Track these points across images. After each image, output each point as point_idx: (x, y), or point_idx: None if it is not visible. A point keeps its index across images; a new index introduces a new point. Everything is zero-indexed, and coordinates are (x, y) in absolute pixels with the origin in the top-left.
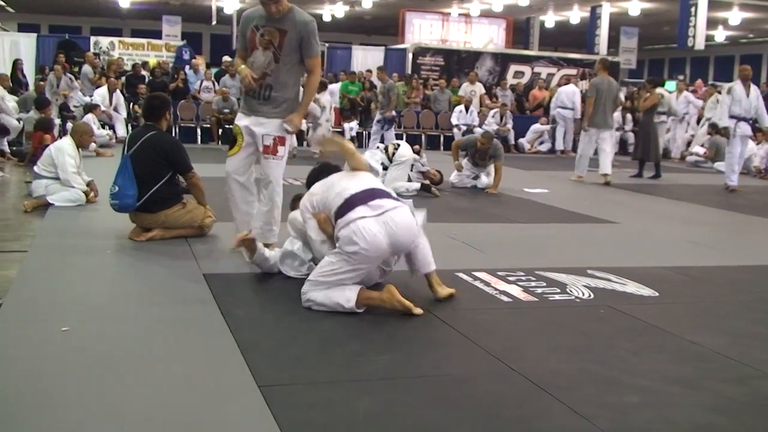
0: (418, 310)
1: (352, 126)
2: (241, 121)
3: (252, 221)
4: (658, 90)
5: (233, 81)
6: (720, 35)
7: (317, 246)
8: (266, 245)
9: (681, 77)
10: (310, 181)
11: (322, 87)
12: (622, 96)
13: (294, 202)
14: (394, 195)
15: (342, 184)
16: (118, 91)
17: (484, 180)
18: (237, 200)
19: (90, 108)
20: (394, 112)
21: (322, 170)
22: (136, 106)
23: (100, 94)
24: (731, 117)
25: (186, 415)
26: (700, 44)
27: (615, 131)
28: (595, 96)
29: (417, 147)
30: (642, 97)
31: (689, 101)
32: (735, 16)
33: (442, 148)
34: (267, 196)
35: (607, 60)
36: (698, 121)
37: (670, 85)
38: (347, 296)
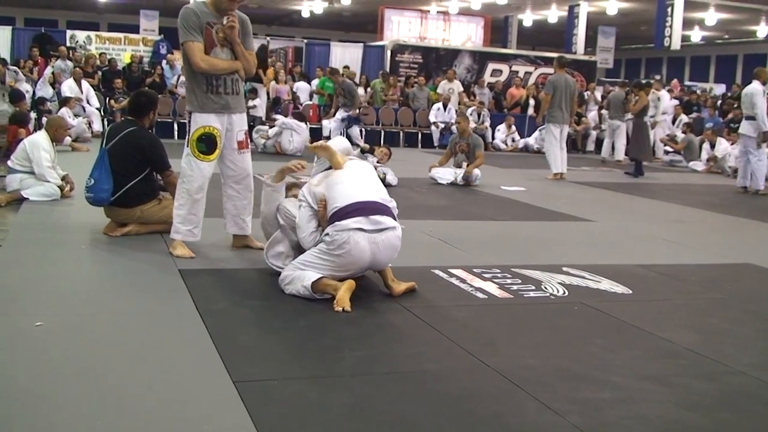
0: (337, 308)
1: (331, 122)
2: (216, 122)
3: (227, 217)
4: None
5: None
6: (696, 35)
7: (303, 235)
8: (243, 236)
9: (657, 77)
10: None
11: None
12: (593, 94)
13: None
14: (394, 210)
15: (348, 186)
16: (85, 81)
17: (464, 168)
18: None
19: (64, 102)
20: (358, 110)
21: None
22: (113, 101)
23: (68, 86)
24: (748, 118)
25: (160, 410)
26: (676, 44)
27: (592, 131)
28: (552, 92)
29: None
30: (631, 100)
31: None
32: (711, 16)
33: (420, 145)
34: (245, 188)
35: (564, 58)
36: (674, 121)
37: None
38: (309, 276)
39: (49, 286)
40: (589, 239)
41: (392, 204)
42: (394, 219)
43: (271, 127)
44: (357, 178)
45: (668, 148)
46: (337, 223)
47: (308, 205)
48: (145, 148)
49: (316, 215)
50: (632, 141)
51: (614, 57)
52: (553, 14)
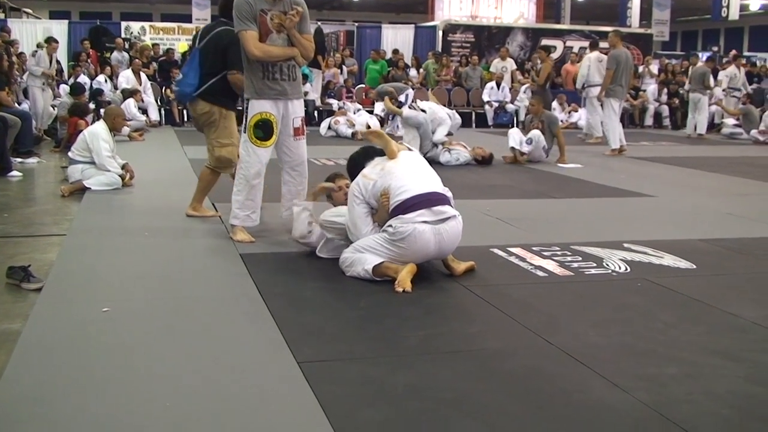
0: (398, 289)
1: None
2: (272, 108)
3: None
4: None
5: None
6: (755, 4)
7: (362, 233)
8: None
9: (715, 48)
10: (356, 163)
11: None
12: (649, 68)
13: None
14: (451, 198)
15: (407, 179)
16: (142, 73)
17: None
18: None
19: (130, 93)
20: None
21: (367, 154)
22: (169, 90)
23: (126, 77)
24: None
25: (226, 392)
26: (734, 14)
27: (650, 105)
28: (615, 67)
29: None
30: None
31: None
32: None
33: (474, 125)
34: (299, 174)
35: (622, 31)
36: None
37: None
38: (371, 260)
39: (114, 273)
40: (650, 215)
41: (449, 194)
42: (453, 207)
43: (328, 111)
44: (414, 170)
45: (730, 120)
46: (401, 216)
47: (363, 202)
48: (225, 46)
49: (371, 212)
50: None
51: (670, 29)
52: None
